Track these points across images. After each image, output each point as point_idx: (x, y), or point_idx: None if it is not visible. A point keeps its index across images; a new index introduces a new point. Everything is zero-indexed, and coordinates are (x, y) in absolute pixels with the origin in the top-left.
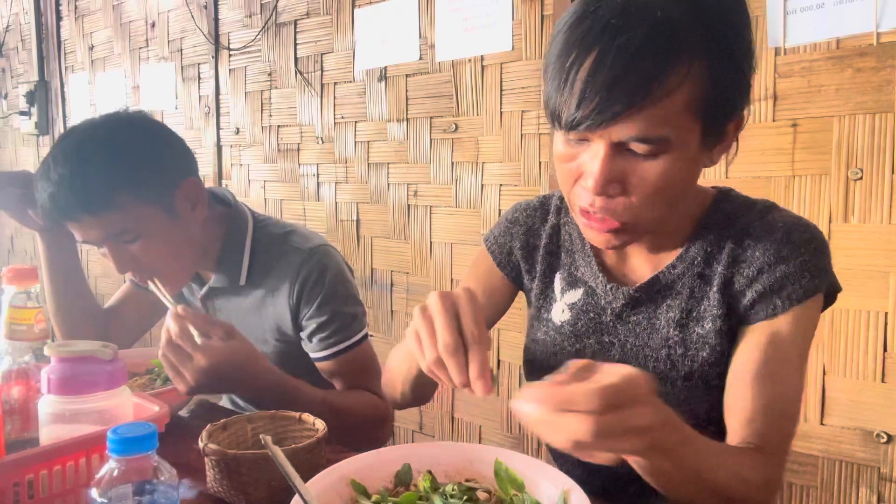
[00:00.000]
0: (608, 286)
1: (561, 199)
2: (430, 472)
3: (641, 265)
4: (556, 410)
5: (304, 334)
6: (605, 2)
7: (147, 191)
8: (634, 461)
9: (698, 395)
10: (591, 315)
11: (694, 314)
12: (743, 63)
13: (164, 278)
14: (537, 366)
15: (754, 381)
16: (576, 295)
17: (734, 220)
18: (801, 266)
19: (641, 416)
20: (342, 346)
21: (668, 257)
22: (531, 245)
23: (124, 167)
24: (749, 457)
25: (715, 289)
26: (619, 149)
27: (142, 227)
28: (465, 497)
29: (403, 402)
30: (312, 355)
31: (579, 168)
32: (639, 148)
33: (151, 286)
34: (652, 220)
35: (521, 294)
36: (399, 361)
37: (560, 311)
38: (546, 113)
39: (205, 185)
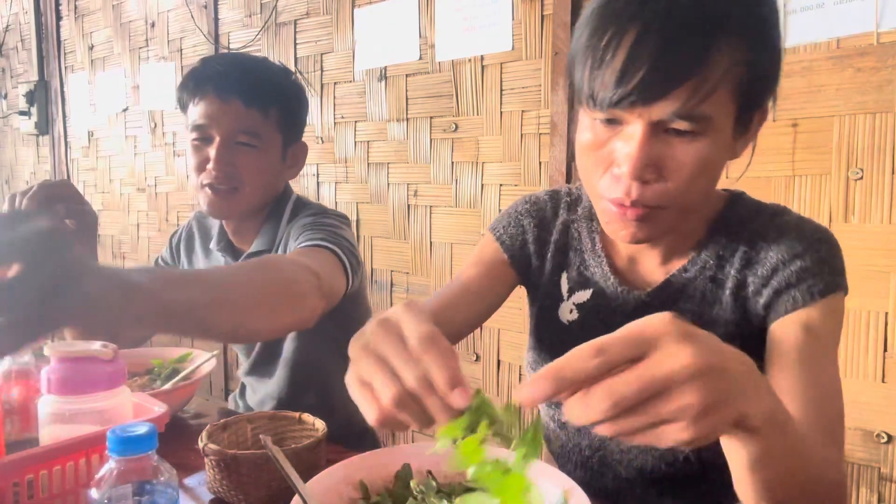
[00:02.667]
0: (619, 289)
1: (569, 194)
2: (429, 472)
3: (653, 269)
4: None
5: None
6: None
7: (286, 123)
8: (740, 444)
9: None
10: (601, 317)
11: (706, 318)
12: (776, 52)
13: (235, 196)
14: (541, 367)
15: (802, 371)
16: (585, 295)
17: (746, 224)
18: (818, 262)
19: (681, 356)
20: (310, 242)
21: (680, 261)
22: (543, 238)
23: (287, 95)
24: (825, 445)
25: (727, 293)
26: (657, 130)
27: (265, 143)
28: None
29: None
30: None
31: (610, 155)
32: (681, 126)
33: None
34: (683, 210)
35: (519, 294)
36: None
37: (568, 311)
38: (579, 97)
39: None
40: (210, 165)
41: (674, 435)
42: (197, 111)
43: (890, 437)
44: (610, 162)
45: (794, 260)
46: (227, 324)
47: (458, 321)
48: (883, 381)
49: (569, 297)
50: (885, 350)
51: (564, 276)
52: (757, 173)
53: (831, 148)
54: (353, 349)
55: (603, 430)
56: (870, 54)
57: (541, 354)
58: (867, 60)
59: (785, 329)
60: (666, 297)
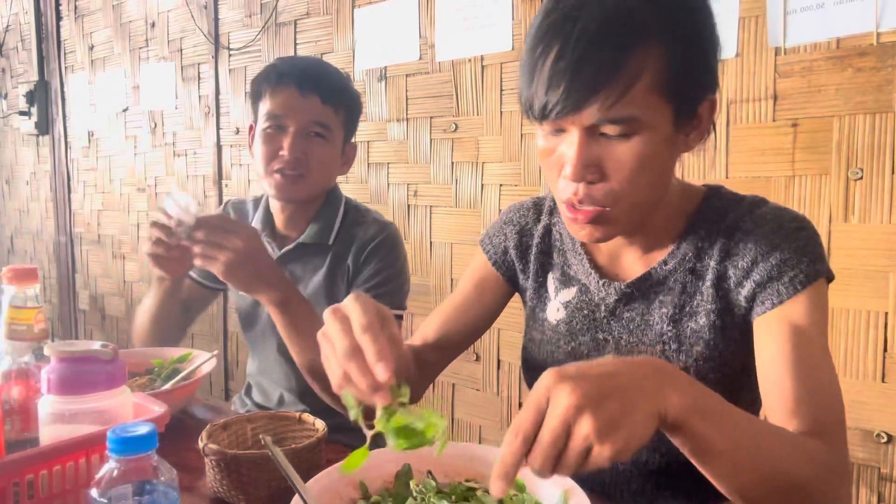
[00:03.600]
0: (601, 282)
1: (553, 199)
2: (429, 472)
3: (634, 263)
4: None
5: (357, 283)
6: None
7: (349, 123)
8: (679, 439)
9: None
10: (586, 312)
11: (687, 309)
12: (706, 46)
13: (303, 182)
14: (534, 365)
15: (789, 369)
16: (570, 293)
17: (724, 215)
18: (796, 252)
19: (601, 373)
20: None
21: (660, 254)
22: (524, 244)
23: (352, 98)
24: (807, 439)
25: (708, 284)
26: (592, 133)
27: (333, 136)
28: (465, 497)
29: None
30: None
31: (559, 160)
32: (610, 130)
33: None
34: (633, 206)
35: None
36: None
37: (555, 310)
38: (522, 109)
39: None
40: (283, 152)
41: (600, 457)
42: (275, 102)
43: (890, 437)
44: (560, 165)
45: (773, 252)
46: None
47: (457, 337)
48: (883, 381)
49: (555, 296)
50: (885, 350)
51: (550, 277)
52: (757, 173)
53: (831, 148)
54: (318, 334)
55: (560, 474)
56: (870, 54)
57: (531, 355)
58: (867, 60)
59: (770, 326)
60: (647, 288)
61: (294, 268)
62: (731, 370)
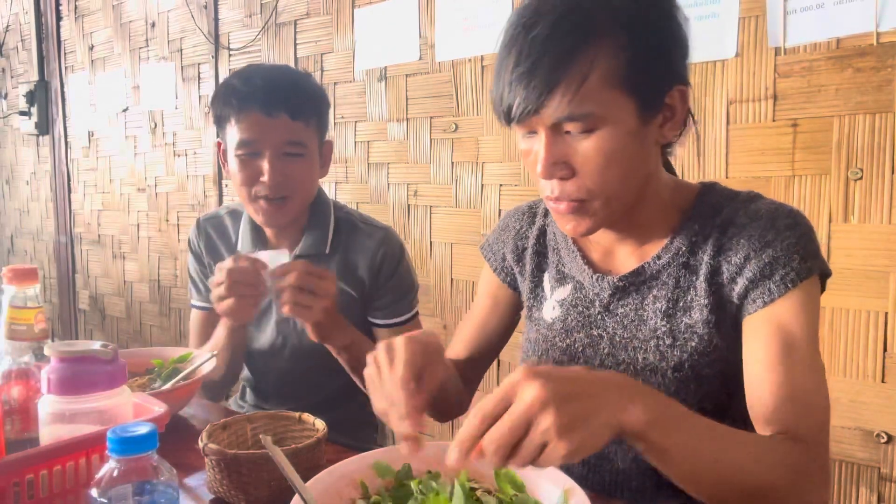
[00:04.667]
0: (594, 277)
1: None
2: (429, 472)
3: (627, 258)
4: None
5: (374, 301)
6: (523, 6)
7: (321, 128)
8: (641, 448)
9: (689, 387)
10: (580, 309)
11: (681, 304)
12: (665, 38)
13: (286, 205)
14: (531, 362)
15: (771, 371)
16: (565, 291)
17: (718, 211)
18: (788, 249)
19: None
20: (403, 317)
21: (654, 249)
22: (520, 248)
23: (320, 102)
24: (779, 443)
25: (701, 278)
26: (557, 132)
27: (309, 150)
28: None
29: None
30: (376, 321)
31: (534, 159)
32: (572, 127)
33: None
34: (608, 199)
35: None
36: None
37: (551, 309)
38: (496, 116)
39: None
40: (264, 178)
41: (554, 454)
42: (242, 127)
43: (890, 437)
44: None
45: (765, 248)
46: None
47: (485, 350)
48: (883, 381)
49: (551, 295)
50: (885, 350)
51: (546, 277)
52: (757, 173)
53: (831, 148)
54: (367, 364)
55: (513, 465)
56: (870, 54)
57: (528, 354)
58: (867, 60)
59: (759, 326)
60: (640, 282)
61: None
62: (726, 365)
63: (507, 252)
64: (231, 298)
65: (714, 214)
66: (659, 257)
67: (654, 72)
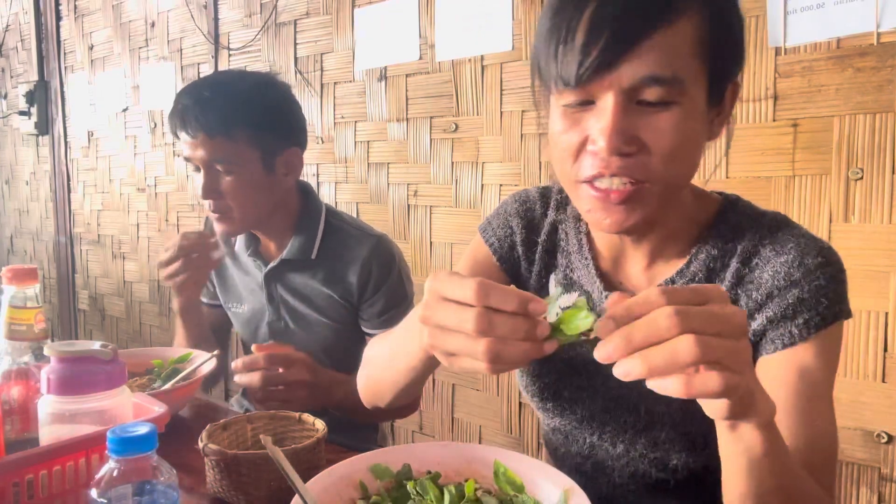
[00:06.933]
0: (604, 294)
1: (560, 192)
2: (429, 472)
3: (639, 272)
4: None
5: (365, 310)
6: None
7: (261, 138)
8: (740, 442)
9: (696, 417)
10: None
11: None
12: (737, 22)
13: (231, 217)
14: (530, 369)
15: (787, 416)
16: (571, 299)
17: (741, 234)
18: (816, 291)
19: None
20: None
21: (667, 268)
22: (531, 240)
23: (254, 111)
24: (815, 487)
25: None
26: (629, 99)
27: (240, 165)
28: (464, 497)
29: (387, 409)
30: (368, 330)
31: (583, 136)
32: (652, 94)
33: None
34: (668, 186)
35: None
36: (386, 364)
37: (554, 315)
38: (544, 84)
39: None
40: (200, 193)
41: (734, 380)
42: (182, 144)
43: (890, 437)
44: (583, 143)
45: (790, 288)
46: None
47: None
48: (883, 381)
49: (556, 300)
50: (885, 350)
51: (552, 279)
52: (757, 173)
53: (831, 148)
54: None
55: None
56: (870, 54)
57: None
58: (867, 60)
59: (778, 368)
60: None
61: (281, 283)
62: None
63: (519, 242)
64: (182, 274)
65: (735, 237)
66: (673, 281)
67: (727, 54)
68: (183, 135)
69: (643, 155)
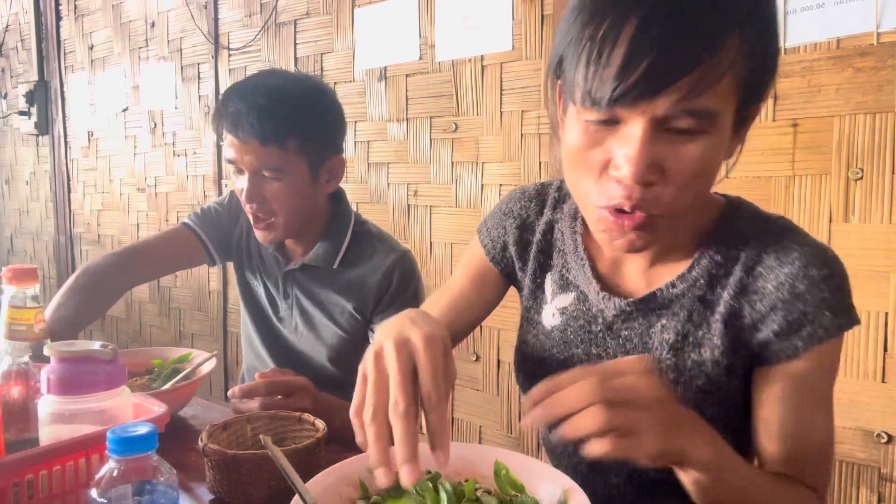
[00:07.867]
0: (601, 294)
1: (559, 190)
2: (428, 473)
3: (637, 275)
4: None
5: (377, 321)
6: None
7: (311, 147)
8: (692, 484)
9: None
10: (581, 322)
11: (691, 339)
12: (778, 41)
13: (274, 224)
14: (527, 369)
15: (785, 425)
16: (567, 299)
17: (744, 240)
18: (820, 304)
19: (654, 410)
20: None
21: (666, 271)
22: (525, 240)
23: (307, 121)
24: (802, 491)
25: (718, 317)
26: (658, 127)
27: (289, 174)
28: (464, 497)
29: None
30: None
31: (605, 158)
32: (684, 123)
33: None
34: (679, 214)
35: (515, 291)
36: None
37: (550, 315)
38: (572, 96)
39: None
40: (243, 197)
41: (647, 443)
42: (228, 145)
43: (890, 437)
44: (605, 166)
45: (794, 301)
46: None
47: (457, 333)
48: (883, 381)
49: (552, 300)
50: (885, 350)
51: (548, 279)
52: (757, 173)
53: (831, 148)
54: (370, 355)
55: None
56: (870, 54)
57: (524, 358)
58: (867, 60)
59: (778, 377)
60: (649, 309)
61: (298, 285)
62: (731, 407)
63: (511, 242)
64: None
65: (739, 243)
66: (673, 285)
67: (765, 81)
68: (230, 137)
69: (661, 185)
